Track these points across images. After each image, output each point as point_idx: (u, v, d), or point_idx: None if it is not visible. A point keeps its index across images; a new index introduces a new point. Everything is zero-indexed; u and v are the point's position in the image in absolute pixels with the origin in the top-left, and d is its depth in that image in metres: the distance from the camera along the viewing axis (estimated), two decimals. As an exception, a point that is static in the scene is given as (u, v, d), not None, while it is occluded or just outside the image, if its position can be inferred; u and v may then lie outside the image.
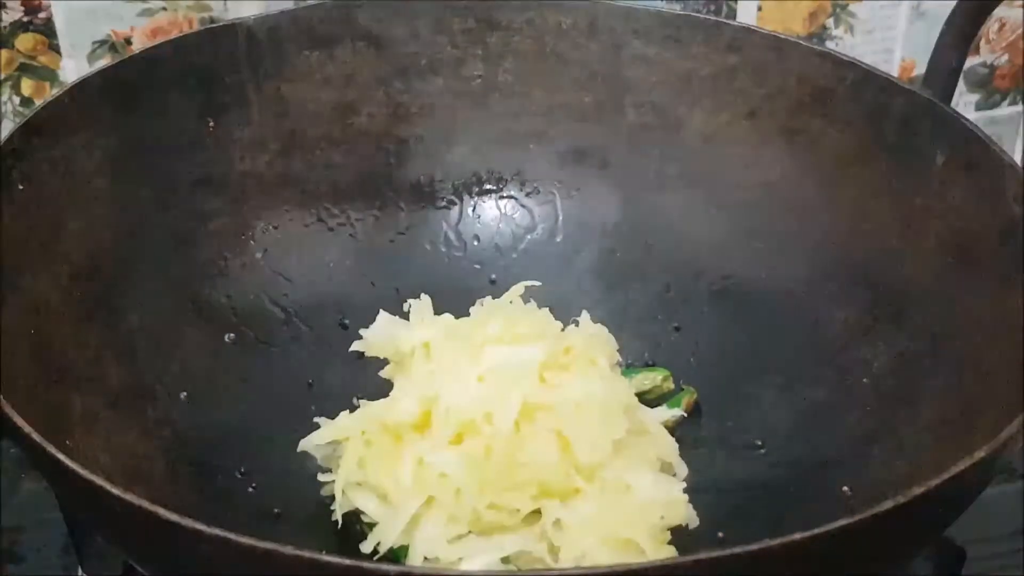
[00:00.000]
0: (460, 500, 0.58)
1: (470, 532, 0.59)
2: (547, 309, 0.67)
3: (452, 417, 0.60)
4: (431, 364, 0.63)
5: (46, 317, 0.60)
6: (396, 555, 0.59)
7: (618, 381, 0.64)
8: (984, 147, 0.64)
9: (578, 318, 0.67)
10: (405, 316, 0.67)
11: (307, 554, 0.43)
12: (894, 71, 0.94)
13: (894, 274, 0.67)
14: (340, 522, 0.61)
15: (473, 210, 0.77)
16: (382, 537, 0.59)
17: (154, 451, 0.61)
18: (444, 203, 0.77)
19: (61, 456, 0.48)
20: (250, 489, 0.63)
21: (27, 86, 0.82)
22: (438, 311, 0.67)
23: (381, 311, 0.67)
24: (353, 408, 0.64)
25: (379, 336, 0.67)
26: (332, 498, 0.61)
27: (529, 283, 0.68)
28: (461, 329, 0.65)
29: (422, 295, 0.67)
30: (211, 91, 0.72)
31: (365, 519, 0.61)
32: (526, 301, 0.67)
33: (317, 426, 0.63)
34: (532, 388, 0.61)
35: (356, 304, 0.73)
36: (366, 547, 0.59)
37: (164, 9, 0.82)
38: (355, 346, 0.67)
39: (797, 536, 0.44)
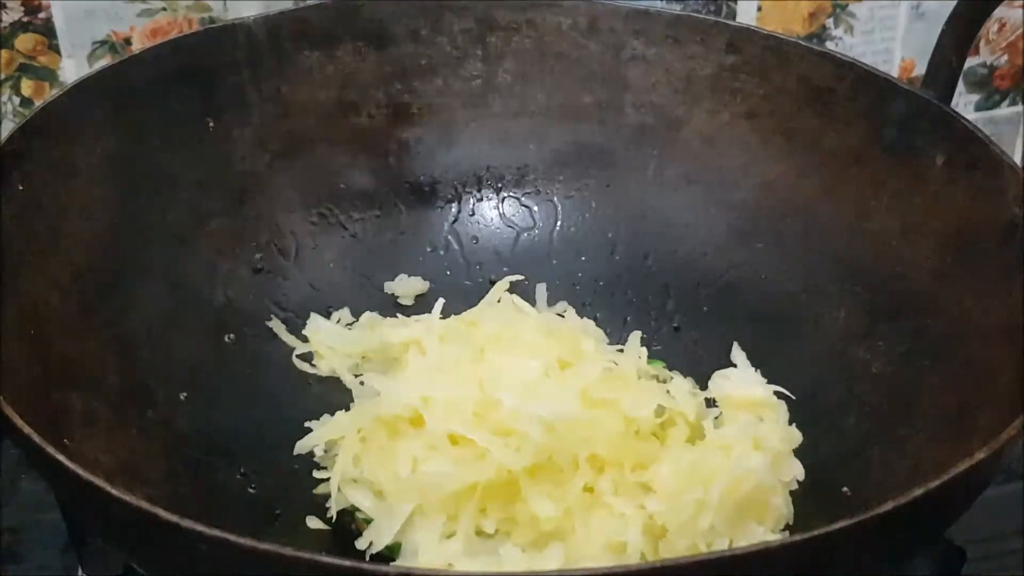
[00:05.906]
0: (456, 504, 0.58)
1: (467, 532, 0.59)
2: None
3: (448, 416, 0.60)
4: (426, 361, 0.63)
5: (46, 317, 0.60)
6: (391, 551, 0.59)
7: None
8: (984, 147, 0.64)
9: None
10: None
11: (307, 555, 0.43)
12: (894, 71, 0.94)
13: (894, 274, 0.67)
14: (335, 518, 0.61)
15: (473, 210, 0.77)
16: (378, 535, 0.59)
17: (154, 451, 0.61)
18: (444, 203, 0.77)
19: (61, 457, 0.48)
20: (250, 489, 0.63)
21: (27, 86, 0.82)
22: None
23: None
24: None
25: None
26: (329, 496, 0.61)
27: (513, 278, 0.68)
28: (456, 327, 0.65)
29: (413, 296, 0.67)
30: (211, 91, 0.71)
31: (360, 516, 0.61)
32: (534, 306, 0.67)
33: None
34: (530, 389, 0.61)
35: (356, 304, 0.73)
36: (361, 543, 0.59)
37: (164, 9, 0.82)
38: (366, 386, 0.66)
39: (797, 536, 0.45)
